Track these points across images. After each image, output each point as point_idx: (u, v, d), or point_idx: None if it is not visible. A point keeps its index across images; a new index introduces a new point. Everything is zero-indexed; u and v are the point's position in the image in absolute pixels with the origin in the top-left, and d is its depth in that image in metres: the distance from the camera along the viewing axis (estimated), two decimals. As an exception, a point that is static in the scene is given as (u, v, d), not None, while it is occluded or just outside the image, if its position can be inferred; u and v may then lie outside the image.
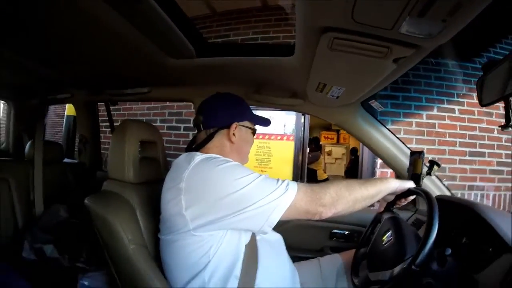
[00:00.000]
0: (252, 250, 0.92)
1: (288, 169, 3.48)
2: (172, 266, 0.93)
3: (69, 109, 3.22)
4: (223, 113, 1.05)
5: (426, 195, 0.92)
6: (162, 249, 0.96)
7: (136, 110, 3.83)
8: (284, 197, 0.83)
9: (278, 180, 0.88)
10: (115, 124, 2.24)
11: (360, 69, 0.95)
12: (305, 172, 3.61)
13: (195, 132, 1.08)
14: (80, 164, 2.22)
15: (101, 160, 2.38)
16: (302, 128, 3.56)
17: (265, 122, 1.16)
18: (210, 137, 1.02)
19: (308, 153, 3.97)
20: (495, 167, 3.16)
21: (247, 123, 1.08)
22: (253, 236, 0.94)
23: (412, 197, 1.10)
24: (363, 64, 0.89)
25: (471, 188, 3.14)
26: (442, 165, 3.00)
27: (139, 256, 0.96)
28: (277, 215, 0.83)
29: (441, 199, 1.18)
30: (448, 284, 0.87)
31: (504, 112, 0.84)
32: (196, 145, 1.05)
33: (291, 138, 3.50)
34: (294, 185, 0.87)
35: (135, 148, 1.12)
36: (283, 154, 3.50)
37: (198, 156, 0.89)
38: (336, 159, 5.67)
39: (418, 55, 0.81)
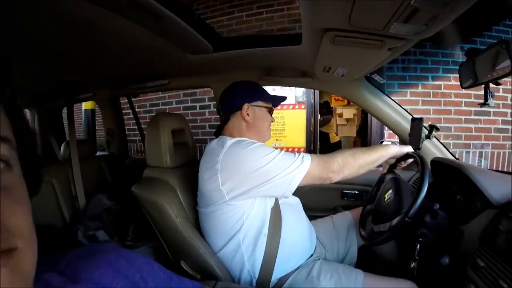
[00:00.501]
0: (276, 212, 1.11)
1: (301, 136, 3.54)
2: (212, 232, 1.13)
3: (85, 104, 3.28)
4: (235, 97, 1.22)
5: (420, 158, 1.06)
6: (201, 219, 1.16)
7: (152, 95, 3.91)
8: (300, 168, 1.02)
9: (295, 153, 1.06)
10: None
11: (360, 56, 1.08)
12: (318, 136, 3.66)
13: (211, 109, 1.29)
14: (111, 156, 2.37)
15: (127, 149, 2.55)
16: (313, 95, 3.58)
17: (279, 99, 1.30)
18: (226, 120, 1.21)
19: (320, 118, 4.00)
20: (500, 126, 3.16)
21: (259, 103, 1.22)
22: (277, 200, 1.12)
23: (410, 160, 1.24)
24: (362, 52, 1.02)
25: (476, 146, 3.14)
26: (448, 125, 3.11)
27: (186, 227, 1.14)
28: (296, 182, 1.02)
29: (436, 161, 1.32)
30: (439, 233, 1.03)
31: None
32: (218, 129, 1.25)
33: (303, 106, 3.52)
34: (308, 157, 1.05)
35: (169, 137, 1.27)
36: (296, 122, 3.55)
37: (229, 141, 1.06)
38: (348, 120, 5.61)
39: (409, 43, 0.93)
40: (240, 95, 1.22)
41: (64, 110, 2.24)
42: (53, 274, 0.38)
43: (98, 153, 2.37)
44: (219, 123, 1.27)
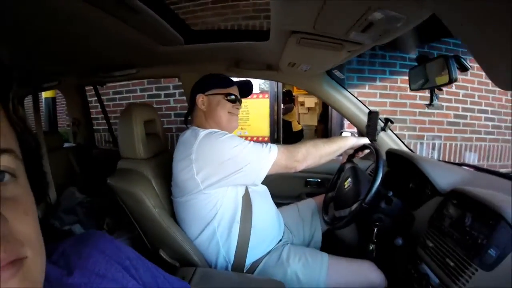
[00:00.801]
0: (247, 200, 1.18)
1: (265, 124, 3.61)
2: (188, 220, 1.18)
3: (45, 92, 3.08)
4: (194, 89, 1.28)
5: (375, 149, 1.18)
6: (177, 208, 1.21)
7: (115, 82, 3.77)
8: (269, 157, 1.10)
9: (263, 144, 1.13)
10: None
11: (322, 55, 1.16)
12: (281, 125, 3.73)
13: (176, 97, 1.34)
14: (78, 147, 2.29)
15: (94, 139, 2.47)
16: (276, 85, 3.63)
17: (229, 82, 1.30)
18: (189, 111, 1.31)
19: (283, 107, 4.03)
20: (452, 119, 3.38)
21: (213, 91, 1.24)
22: (247, 189, 1.20)
23: (367, 151, 1.36)
24: (324, 53, 1.10)
25: (428, 138, 3.35)
26: (403, 117, 3.28)
27: (163, 216, 1.18)
28: (265, 171, 1.10)
29: (391, 152, 1.45)
30: (393, 218, 1.15)
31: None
32: (185, 118, 1.34)
33: (266, 96, 3.58)
34: (275, 148, 1.12)
35: (141, 128, 1.28)
36: (260, 111, 3.60)
37: (201, 132, 1.11)
38: (309, 109, 5.70)
39: (367, 47, 1.03)
40: (197, 88, 1.27)
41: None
42: (49, 265, 0.38)
43: (66, 145, 2.27)
44: (184, 111, 1.33)
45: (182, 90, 1.83)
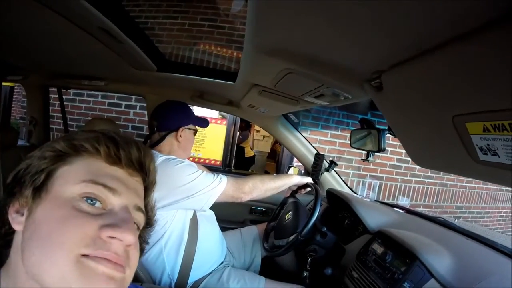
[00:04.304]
0: (194, 223, 1.27)
1: (219, 149, 3.67)
2: None
3: None
4: (172, 119, 1.35)
5: (316, 190, 1.33)
6: None
7: (81, 89, 3.64)
8: (218, 187, 1.21)
9: (214, 174, 1.24)
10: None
11: (280, 105, 1.30)
12: (234, 150, 3.81)
13: (137, 110, 1.34)
14: (33, 147, 2.10)
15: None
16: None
17: (205, 123, 1.46)
18: (162, 139, 1.33)
19: (238, 135, 4.09)
20: (395, 163, 3.71)
21: (190, 126, 1.38)
22: (195, 213, 1.29)
23: (308, 189, 1.51)
24: (281, 104, 1.24)
25: (370, 178, 3.66)
26: (350, 157, 3.56)
27: None
28: (213, 199, 1.20)
29: (330, 192, 1.61)
30: (327, 249, 1.28)
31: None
32: (151, 144, 1.35)
33: (224, 122, 3.65)
34: (224, 179, 1.24)
35: None
36: (216, 136, 3.65)
37: (160, 157, 1.19)
38: (264, 136, 5.78)
39: (318, 105, 1.19)
40: (178, 118, 1.35)
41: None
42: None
43: (20, 143, 2.12)
44: (142, 125, 1.35)
45: (144, 104, 1.86)
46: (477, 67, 0.39)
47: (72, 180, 0.43)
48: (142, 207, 0.50)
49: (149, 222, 0.56)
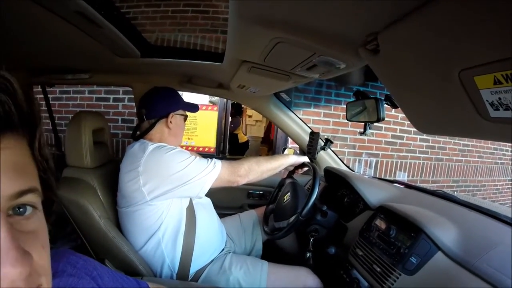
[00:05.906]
0: (191, 212, 1.24)
1: (212, 136, 3.63)
2: (133, 230, 1.20)
3: None
4: (161, 105, 1.30)
5: (313, 168, 1.30)
6: (122, 218, 1.22)
7: (66, 84, 3.52)
8: (213, 172, 1.17)
9: (208, 159, 1.21)
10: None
11: (270, 82, 1.26)
12: (227, 137, 3.77)
13: (125, 103, 1.29)
14: None
15: None
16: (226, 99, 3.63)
17: (195, 108, 1.42)
18: (152, 126, 1.29)
19: (230, 122, 4.05)
20: (390, 139, 3.68)
21: (180, 111, 1.34)
22: (191, 201, 1.25)
23: (306, 168, 1.48)
24: (272, 80, 1.20)
25: (366, 156, 3.63)
26: (345, 135, 3.53)
27: (109, 226, 1.19)
28: (208, 185, 1.17)
29: (329, 170, 1.58)
30: (328, 229, 1.27)
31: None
32: (141, 133, 1.31)
33: (215, 108, 3.60)
34: (219, 163, 1.20)
35: (90, 137, 1.27)
36: (208, 122, 3.61)
37: (150, 146, 1.15)
38: (257, 121, 5.69)
39: (311, 79, 1.15)
40: (167, 104, 1.30)
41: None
42: None
43: None
44: (132, 117, 1.32)
45: (132, 96, 1.82)
46: (486, 10, 0.35)
47: None
48: (28, 184, 0.33)
49: (45, 172, 0.38)
